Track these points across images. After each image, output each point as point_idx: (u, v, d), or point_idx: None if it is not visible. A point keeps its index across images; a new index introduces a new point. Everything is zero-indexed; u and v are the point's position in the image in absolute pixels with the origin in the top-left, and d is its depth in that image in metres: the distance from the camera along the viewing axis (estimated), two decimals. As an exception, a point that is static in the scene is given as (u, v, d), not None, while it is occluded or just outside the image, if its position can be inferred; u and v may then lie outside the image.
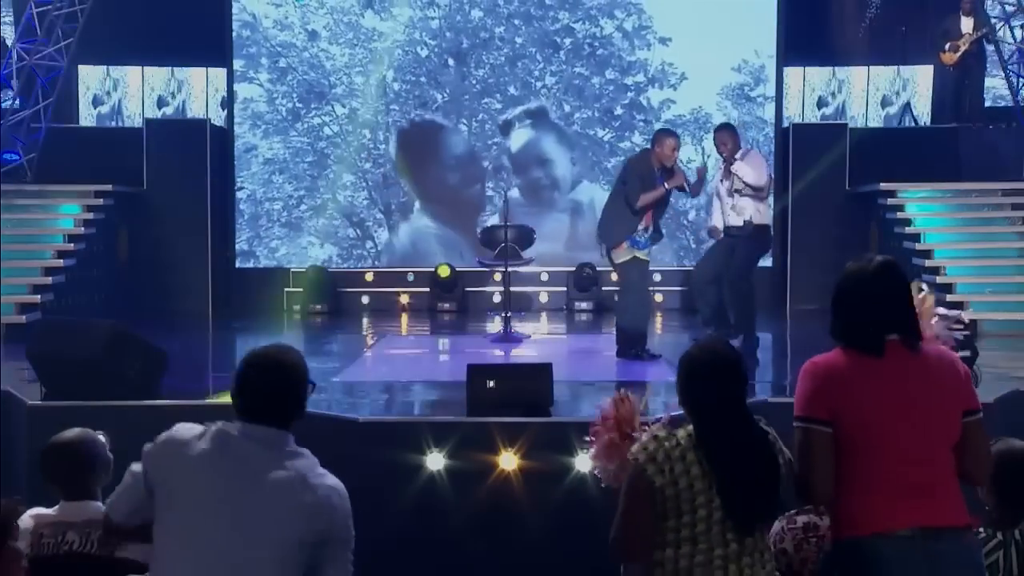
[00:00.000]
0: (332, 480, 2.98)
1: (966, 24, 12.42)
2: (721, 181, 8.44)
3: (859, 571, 2.90)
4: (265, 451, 2.92)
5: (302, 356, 3.11)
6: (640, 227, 8.12)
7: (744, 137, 12.20)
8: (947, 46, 12.51)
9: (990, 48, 12.63)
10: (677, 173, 8.21)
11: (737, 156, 8.33)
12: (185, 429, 3.01)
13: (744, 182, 8.23)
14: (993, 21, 12.53)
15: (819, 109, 14.03)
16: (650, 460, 2.99)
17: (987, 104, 13.22)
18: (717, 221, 8.57)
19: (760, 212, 8.33)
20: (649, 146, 8.46)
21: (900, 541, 2.87)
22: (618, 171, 9.02)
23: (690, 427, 3.05)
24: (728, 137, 8.42)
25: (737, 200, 8.30)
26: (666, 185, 8.12)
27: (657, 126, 12.76)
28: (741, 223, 8.28)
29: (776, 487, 3.00)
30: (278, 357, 3.05)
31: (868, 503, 2.91)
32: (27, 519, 3.62)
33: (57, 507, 3.62)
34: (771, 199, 8.55)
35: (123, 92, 14.04)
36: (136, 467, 3.11)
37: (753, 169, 8.23)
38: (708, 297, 8.53)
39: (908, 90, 13.97)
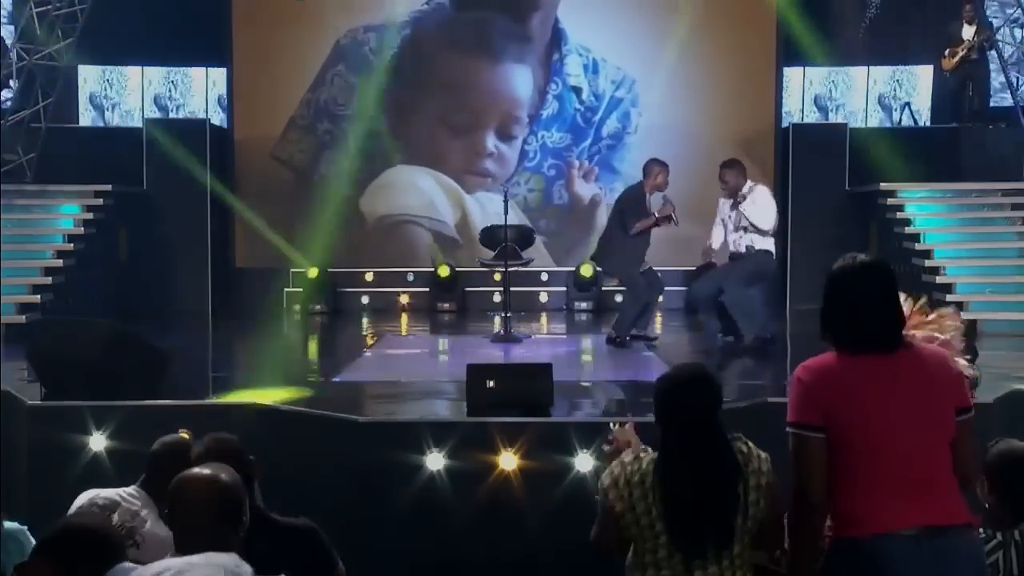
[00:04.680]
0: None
1: (967, 32, 12.49)
2: (728, 215, 8.81)
3: (862, 571, 2.89)
4: None
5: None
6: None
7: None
8: (947, 52, 12.57)
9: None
10: (667, 204, 8.88)
11: (745, 191, 8.66)
12: None
13: (752, 224, 8.62)
14: (994, 22, 12.55)
15: (818, 110, 14.03)
16: (613, 485, 3.07)
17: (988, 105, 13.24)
18: (715, 242, 9.03)
19: (763, 241, 8.69)
20: (642, 176, 9.09)
21: (903, 540, 2.86)
22: (615, 204, 9.61)
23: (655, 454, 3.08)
24: (731, 175, 8.76)
25: (743, 234, 8.70)
26: (656, 215, 8.87)
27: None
28: (743, 250, 8.71)
29: (727, 513, 2.98)
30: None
31: (869, 503, 2.90)
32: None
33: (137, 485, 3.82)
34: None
35: (122, 92, 14.04)
36: None
37: (761, 212, 8.59)
38: (711, 310, 9.02)
39: (908, 90, 13.97)
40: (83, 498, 3.75)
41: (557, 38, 13.36)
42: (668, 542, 2.99)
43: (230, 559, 2.70)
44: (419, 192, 13.25)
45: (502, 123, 13.20)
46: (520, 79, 13.25)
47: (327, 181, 13.12)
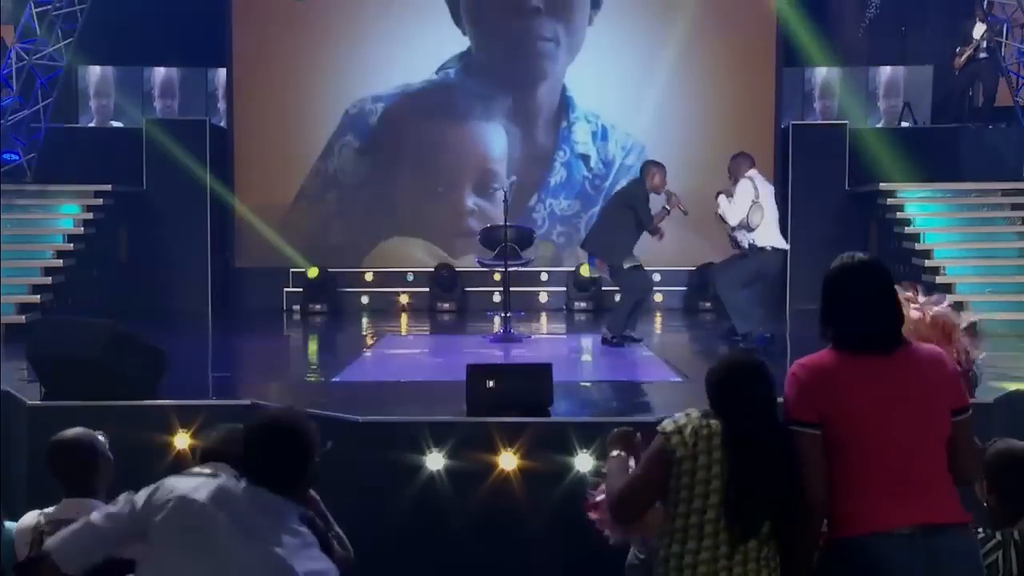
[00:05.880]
0: (322, 565, 2.85)
1: (979, 30, 12.49)
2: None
3: (858, 570, 2.89)
4: (265, 519, 2.81)
5: (313, 425, 3.05)
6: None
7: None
8: (957, 50, 12.59)
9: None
10: (673, 196, 9.07)
11: (731, 187, 8.84)
12: (184, 482, 2.88)
13: (720, 216, 8.86)
14: (995, 18, 12.55)
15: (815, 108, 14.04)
16: (677, 431, 3.01)
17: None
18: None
19: (766, 237, 8.70)
20: (639, 176, 9.27)
21: (899, 539, 2.86)
22: (612, 198, 9.80)
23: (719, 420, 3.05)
24: (731, 165, 8.95)
25: (744, 232, 8.80)
26: (667, 207, 9.08)
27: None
28: (746, 245, 8.81)
29: (782, 503, 2.96)
30: (293, 425, 2.98)
31: (865, 502, 2.91)
32: (29, 518, 3.65)
33: (59, 504, 3.66)
34: (763, 222, 8.70)
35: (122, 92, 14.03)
36: (109, 512, 2.89)
37: (730, 207, 8.74)
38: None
39: (908, 90, 13.96)
40: (29, 519, 3.70)
41: (565, 106, 13.38)
42: (718, 504, 2.95)
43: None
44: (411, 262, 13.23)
45: (479, 181, 13.20)
46: (493, 136, 13.27)
47: (328, 183, 13.16)
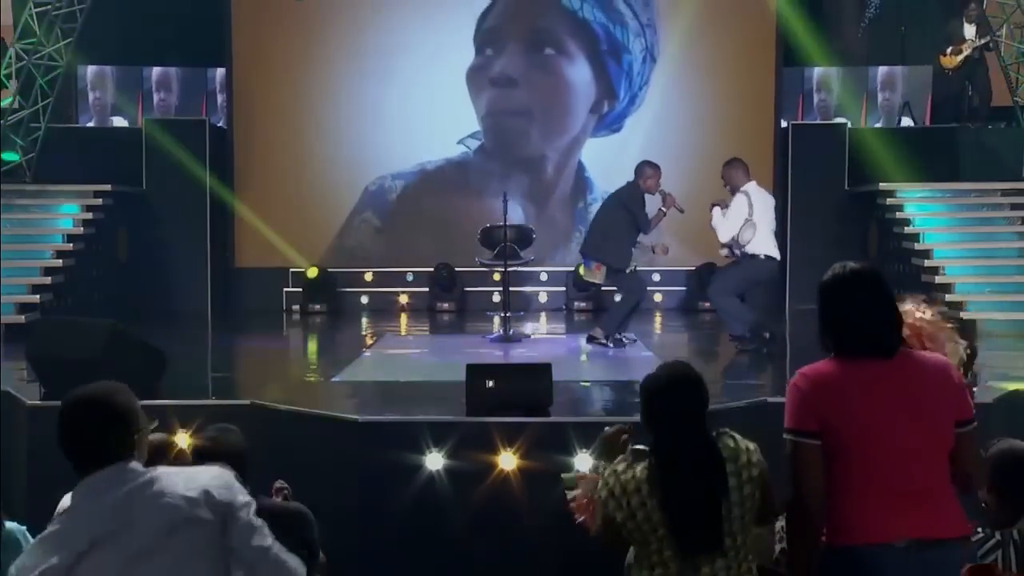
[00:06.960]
0: (189, 473, 2.73)
1: (969, 31, 12.46)
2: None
3: None
4: (123, 491, 2.62)
5: (126, 390, 2.80)
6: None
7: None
8: (948, 50, 12.55)
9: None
10: (668, 196, 9.00)
11: (727, 198, 8.73)
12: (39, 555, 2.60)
13: (713, 229, 8.76)
14: (992, 18, 12.53)
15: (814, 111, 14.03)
16: (610, 496, 3.09)
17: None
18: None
19: (759, 245, 8.61)
20: (634, 177, 9.12)
21: (894, 552, 2.85)
22: (608, 201, 9.62)
23: (647, 461, 3.09)
24: (725, 171, 8.82)
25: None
26: (663, 208, 9.01)
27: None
28: (738, 251, 8.73)
29: (720, 509, 2.99)
30: (103, 397, 2.72)
31: (862, 512, 2.90)
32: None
33: None
34: (755, 232, 8.60)
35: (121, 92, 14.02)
36: None
37: (723, 223, 8.65)
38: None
39: (908, 90, 13.95)
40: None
41: (583, 186, 13.34)
42: (672, 542, 3.00)
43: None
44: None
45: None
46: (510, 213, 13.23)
47: (327, 185, 13.17)
